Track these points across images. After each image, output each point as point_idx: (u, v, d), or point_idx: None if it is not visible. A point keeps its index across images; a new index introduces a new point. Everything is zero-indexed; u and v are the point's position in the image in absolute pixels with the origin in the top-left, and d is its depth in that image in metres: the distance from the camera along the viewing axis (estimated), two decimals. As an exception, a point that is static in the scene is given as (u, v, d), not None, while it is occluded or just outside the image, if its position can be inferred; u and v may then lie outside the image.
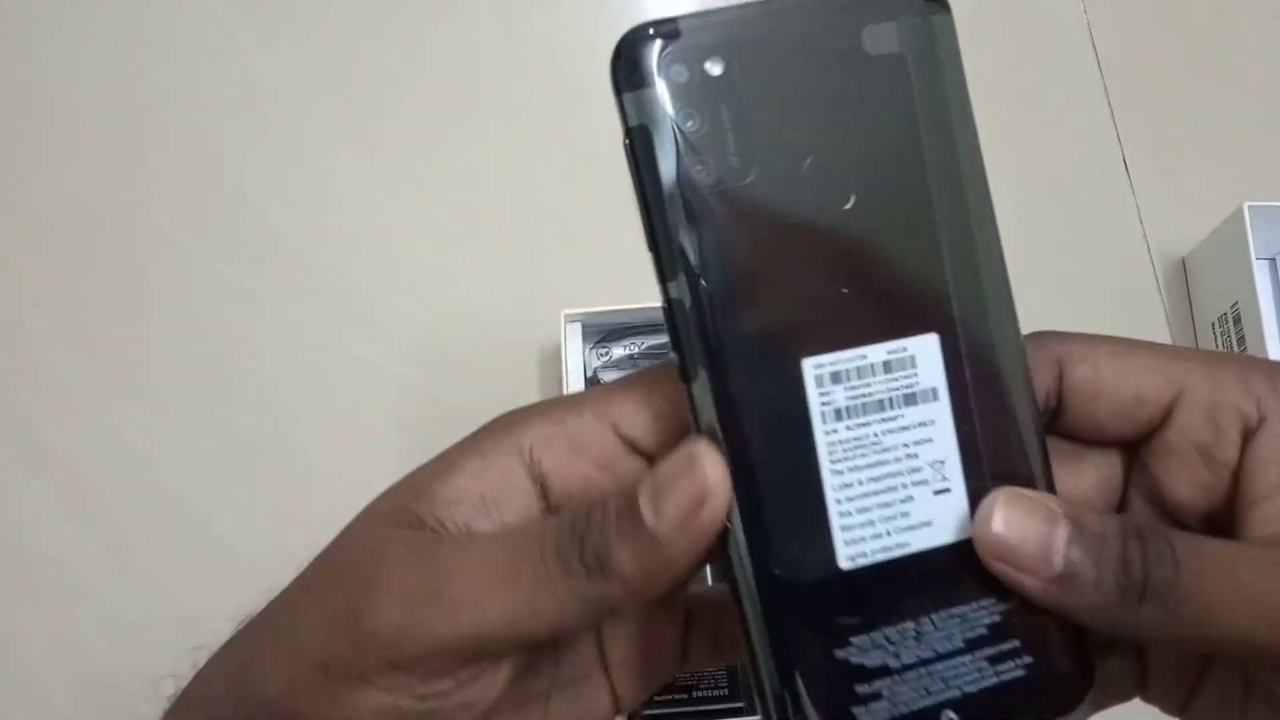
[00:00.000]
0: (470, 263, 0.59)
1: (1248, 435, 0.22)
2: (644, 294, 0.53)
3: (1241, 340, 0.55)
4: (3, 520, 0.53)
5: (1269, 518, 0.21)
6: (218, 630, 0.24)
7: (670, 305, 0.21)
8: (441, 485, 0.22)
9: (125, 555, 0.53)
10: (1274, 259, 0.57)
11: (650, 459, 0.22)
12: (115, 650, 0.51)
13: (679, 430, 0.22)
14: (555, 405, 0.23)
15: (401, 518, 0.22)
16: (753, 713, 0.48)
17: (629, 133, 0.21)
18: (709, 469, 0.20)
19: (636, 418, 0.22)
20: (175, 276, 0.58)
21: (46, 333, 0.57)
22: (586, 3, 0.64)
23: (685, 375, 0.21)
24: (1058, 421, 0.23)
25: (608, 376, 0.54)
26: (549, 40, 0.63)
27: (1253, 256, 0.54)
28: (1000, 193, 0.22)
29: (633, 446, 0.22)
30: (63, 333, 0.57)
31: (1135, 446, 0.23)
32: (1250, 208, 0.54)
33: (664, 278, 0.21)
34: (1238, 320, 0.55)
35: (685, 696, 0.47)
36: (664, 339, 0.38)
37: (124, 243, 0.58)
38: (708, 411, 0.21)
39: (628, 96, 0.20)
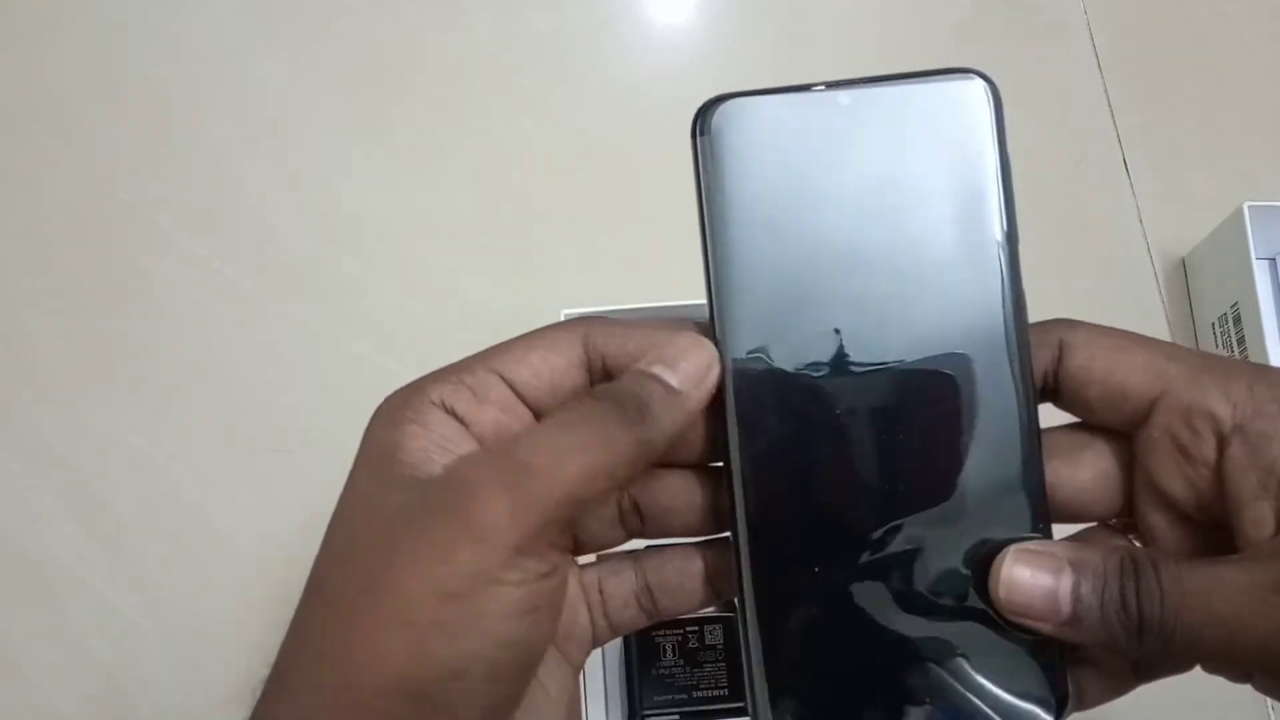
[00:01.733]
0: (470, 263, 0.59)
1: (1222, 440, 0.23)
2: (644, 294, 0.53)
3: (1241, 340, 0.55)
4: (3, 520, 0.53)
5: (1256, 519, 0.22)
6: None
7: None
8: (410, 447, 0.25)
9: (125, 555, 0.53)
10: (1274, 259, 0.57)
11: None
12: (115, 650, 0.51)
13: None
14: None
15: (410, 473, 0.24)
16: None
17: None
18: (709, 349, 0.24)
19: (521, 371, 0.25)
20: (175, 276, 0.58)
21: (47, 333, 0.57)
22: (586, 3, 0.64)
23: None
24: (1054, 400, 0.25)
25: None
26: (548, 40, 0.63)
27: (1253, 256, 0.54)
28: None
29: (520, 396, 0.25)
30: (63, 333, 0.57)
31: (1130, 436, 0.25)
32: (1250, 208, 0.54)
33: None
34: (1238, 320, 0.55)
35: (685, 697, 0.46)
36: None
37: (124, 243, 0.58)
38: None
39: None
